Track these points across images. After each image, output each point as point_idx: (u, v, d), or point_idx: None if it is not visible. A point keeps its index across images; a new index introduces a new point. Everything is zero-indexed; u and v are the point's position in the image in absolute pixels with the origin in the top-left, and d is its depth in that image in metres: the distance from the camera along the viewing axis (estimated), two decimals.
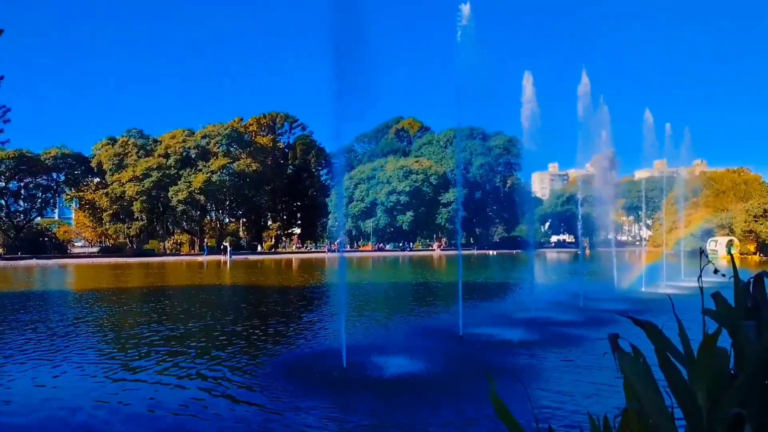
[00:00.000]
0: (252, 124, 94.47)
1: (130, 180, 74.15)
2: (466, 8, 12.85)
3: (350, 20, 9.90)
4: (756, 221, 56.81)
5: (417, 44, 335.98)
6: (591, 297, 18.33)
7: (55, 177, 77.62)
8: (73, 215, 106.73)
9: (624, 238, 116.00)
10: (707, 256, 1.77)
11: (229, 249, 64.95)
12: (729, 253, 51.76)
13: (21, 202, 75.81)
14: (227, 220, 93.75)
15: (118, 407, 7.15)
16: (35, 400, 7.54)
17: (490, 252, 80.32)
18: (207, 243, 78.06)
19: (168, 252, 78.18)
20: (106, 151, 77.74)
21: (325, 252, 79.83)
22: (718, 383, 1.32)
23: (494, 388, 1.38)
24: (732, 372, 1.38)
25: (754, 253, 57.45)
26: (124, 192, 74.34)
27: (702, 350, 1.34)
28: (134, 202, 74.43)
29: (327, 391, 7.86)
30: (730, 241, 56.56)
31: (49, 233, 78.12)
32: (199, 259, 62.58)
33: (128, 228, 79.53)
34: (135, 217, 77.35)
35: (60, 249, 72.62)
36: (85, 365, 9.62)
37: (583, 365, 9.27)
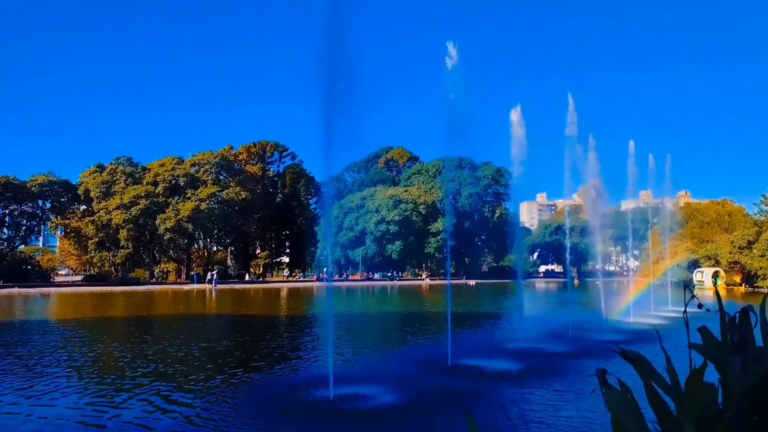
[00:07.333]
0: (242, 153, 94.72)
1: (117, 208, 73.42)
2: (452, 45, 13.24)
3: (340, 51, 10.08)
4: (741, 252, 57.29)
5: (406, 75, 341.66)
6: (580, 327, 18.29)
7: (41, 204, 76.68)
8: (57, 243, 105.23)
9: (612, 268, 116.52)
10: (692, 290, 1.77)
11: (214, 277, 64.17)
12: (715, 284, 52.06)
13: (5, 230, 74.64)
14: (215, 248, 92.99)
15: None
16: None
17: (472, 282, 77.84)
18: (196, 271, 77.16)
19: (154, 280, 77.05)
20: (94, 178, 77.20)
21: (314, 281, 79.13)
22: (706, 419, 1.30)
23: (474, 425, 1.35)
24: (721, 407, 1.36)
25: (740, 284, 57.80)
26: (110, 220, 73.47)
27: (689, 385, 1.32)
28: (121, 230, 73.51)
29: (314, 425, 7.68)
30: (716, 272, 56.93)
31: (33, 261, 76.84)
32: (186, 288, 61.70)
33: (114, 256, 78.35)
34: (121, 245, 76.29)
35: (43, 277, 71.29)
36: (57, 396, 9.35)
37: (572, 397, 9.18)
